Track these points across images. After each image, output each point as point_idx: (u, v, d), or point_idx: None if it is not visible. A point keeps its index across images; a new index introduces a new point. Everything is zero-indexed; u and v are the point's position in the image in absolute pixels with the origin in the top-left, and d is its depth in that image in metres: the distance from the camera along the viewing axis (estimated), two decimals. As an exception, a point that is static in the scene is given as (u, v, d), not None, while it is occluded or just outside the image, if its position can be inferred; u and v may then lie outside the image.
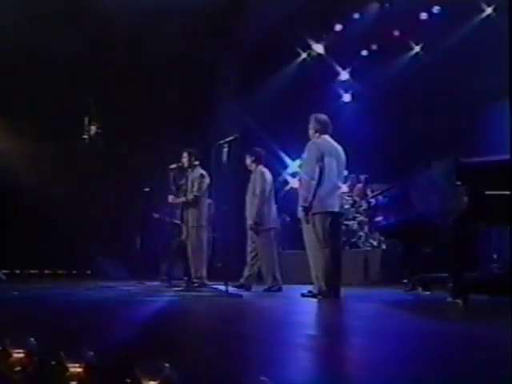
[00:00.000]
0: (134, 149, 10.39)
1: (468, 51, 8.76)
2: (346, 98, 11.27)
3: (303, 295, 5.41)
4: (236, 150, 5.90)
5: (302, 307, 4.73)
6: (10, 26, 8.79)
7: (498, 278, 6.00)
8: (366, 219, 9.07)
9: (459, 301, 3.92)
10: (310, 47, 11.32)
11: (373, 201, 8.04)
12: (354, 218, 9.13)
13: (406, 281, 5.95)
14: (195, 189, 7.27)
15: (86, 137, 10.34)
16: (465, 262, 4.16)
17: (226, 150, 5.76)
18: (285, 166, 11.04)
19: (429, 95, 9.20)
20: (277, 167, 9.72)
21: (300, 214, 5.48)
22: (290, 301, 5.68)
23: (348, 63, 11.05)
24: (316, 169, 5.32)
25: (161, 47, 9.91)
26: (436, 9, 9.68)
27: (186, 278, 7.60)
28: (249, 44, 10.82)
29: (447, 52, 9.22)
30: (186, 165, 7.47)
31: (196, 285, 6.96)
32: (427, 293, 5.58)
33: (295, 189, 9.58)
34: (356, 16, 10.50)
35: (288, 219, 8.16)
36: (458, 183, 3.99)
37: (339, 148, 5.58)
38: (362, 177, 9.26)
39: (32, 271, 9.85)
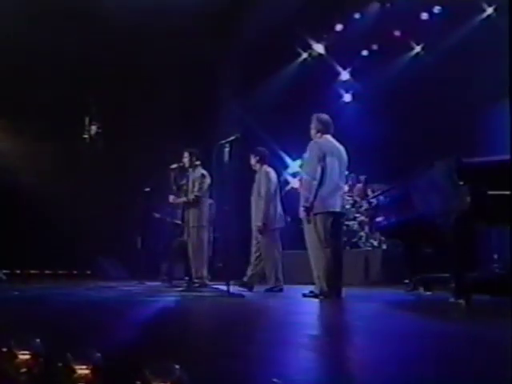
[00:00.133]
0: (135, 149, 10.39)
1: (469, 51, 8.75)
2: (347, 98, 11.27)
3: (305, 295, 5.41)
4: (237, 150, 5.88)
5: (305, 307, 4.72)
6: (10, 25, 8.79)
7: (500, 278, 5.99)
8: (366, 219, 9.07)
9: (462, 301, 3.92)
10: (310, 47, 11.32)
11: (374, 201, 8.04)
12: (354, 218, 9.13)
13: (407, 281, 5.94)
14: (196, 189, 7.26)
15: (86, 136, 10.34)
16: (467, 262, 4.16)
17: (227, 149, 5.75)
18: (285, 166, 11.03)
19: (429, 95, 9.19)
20: (277, 167, 9.70)
21: (301, 214, 5.47)
22: (291, 301, 5.67)
23: (349, 63, 11.05)
24: (318, 169, 5.32)
25: (161, 47, 9.90)
26: (437, 9, 9.68)
27: (186, 278, 7.59)
28: (249, 44, 10.81)
29: (448, 52, 9.22)
30: (186, 165, 7.46)
31: (197, 285, 6.94)
32: (428, 293, 5.58)
33: (296, 189, 9.60)
34: (357, 16, 10.50)
35: (289, 219, 8.13)
36: (461, 183, 3.98)
37: (341, 148, 5.57)
38: (362, 177, 9.26)
39: (32, 271, 9.84)
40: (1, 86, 9.15)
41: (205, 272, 7.21)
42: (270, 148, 8.26)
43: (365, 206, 9.13)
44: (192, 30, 9.93)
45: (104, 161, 10.19)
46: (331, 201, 5.35)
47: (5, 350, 1.55)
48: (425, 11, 9.77)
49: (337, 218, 5.42)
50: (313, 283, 5.50)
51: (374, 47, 10.61)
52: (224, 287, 5.56)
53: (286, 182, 11.06)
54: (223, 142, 5.86)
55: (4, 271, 8.43)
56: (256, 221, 6.56)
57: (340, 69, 11.14)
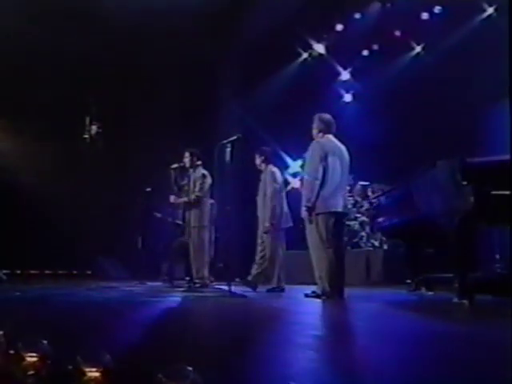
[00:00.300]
0: (135, 148, 10.38)
1: (469, 51, 8.74)
2: (347, 98, 11.25)
3: (307, 295, 5.40)
4: (239, 150, 5.87)
5: (307, 308, 4.71)
6: (10, 25, 8.77)
7: (501, 278, 5.99)
8: (367, 219, 9.07)
9: (465, 301, 3.92)
10: (311, 47, 11.31)
11: (375, 201, 8.03)
12: (355, 219, 9.12)
13: (409, 281, 5.94)
14: (197, 189, 7.24)
15: (86, 136, 10.32)
16: (470, 263, 4.15)
17: (228, 149, 5.74)
18: (286, 166, 11.02)
19: (430, 95, 9.19)
20: (278, 167, 9.68)
21: (303, 214, 5.46)
22: (294, 301, 5.66)
23: (349, 63, 11.03)
24: (319, 168, 5.31)
25: (161, 47, 9.89)
26: (437, 9, 9.68)
27: (187, 279, 7.58)
28: (250, 44, 10.80)
29: (448, 52, 9.21)
30: (187, 165, 7.45)
31: (198, 285, 6.94)
32: (431, 293, 5.58)
33: (296, 189, 9.59)
34: (357, 16, 10.49)
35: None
36: (464, 183, 3.98)
37: (343, 148, 5.56)
38: (362, 183, 9.27)
39: (32, 271, 9.83)
40: (1, 86, 9.13)
41: (206, 272, 7.20)
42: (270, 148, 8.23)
43: (365, 206, 9.13)
44: (192, 30, 9.92)
45: (104, 161, 10.17)
46: (333, 201, 5.34)
47: (12, 352, 1.53)
48: (425, 11, 9.76)
49: (339, 218, 5.41)
50: (314, 283, 5.49)
51: (375, 47, 10.60)
52: (225, 287, 5.56)
53: (287, 182, 11.05)
54: (225, 141, 5.86)
55: (4, 271, 8.40)
56: (264, 221, 6.54)
57: (340, 69, 11.13)
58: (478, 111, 8.33)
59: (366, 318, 3.85)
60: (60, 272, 10.14)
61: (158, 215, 8.67)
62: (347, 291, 5.33)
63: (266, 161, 6.79)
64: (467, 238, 4.08)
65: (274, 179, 6.64)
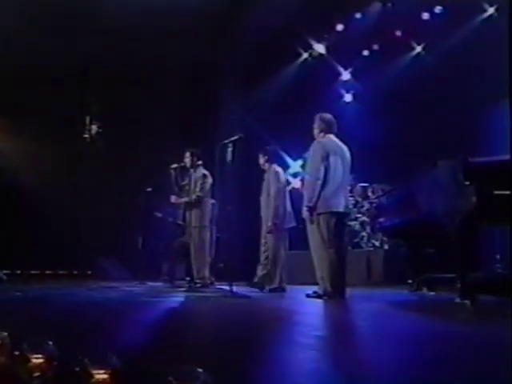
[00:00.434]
0: (136, 148, 10.36)
1: (469, 51, 8.73)
2: (348, 98, 11.22)
3: (308, 296, 5.39)
4: (240, 150, 5.87)
5: (309, 308, 4.70)
6: (11, 25, 8.76)
7: (503, 278, 5.99)
8: (368, 219, 9.07)
9: (467, 301, 3.91)
10: (311, 47, 11.28)
11: (376, 201, 8.03)
12: (356, 219, 9.11)
13: (410, 281, 5.92)
14: (198, 189, 7.24)
15: (87, 136, 10.31)
16: (472, 263, 4.15)
17: (230, 149, 5.74)
18: (286, 166, 11.00)
19: (430, 95, 9.18)
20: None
21: (304, 214, 5.45)
22: (295, 301, 5.66)
23: (349, 63, 11.00)
24: (321, 168, 5.30)
25: (162, 47, 9.89)
26: (438, 9, 9.65)
27: (187, 279, 7.58)
28: (250, 44, 10.79)
29: (449, 52, 9.19)
30: (188, 165, 7.44)
31: (199, 285, 6.93)
32: (432, 293, 5.56)
33: (297, 189, 9.58)
34: (358, 16, 10.46)
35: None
36: (467, 183, 3.97)
37: (344, 147, 5.56)
38: (362, 185, 9.26)
39: (33, 271, 9.82)
40: (1, 86, 9.12)
41: (207, 272, 7.20)
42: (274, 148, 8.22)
43: (366, 206, 9.13)
44: (193, 30, 9.92)
45: (105, 160, 10.17)
46: (334, 201, 5.33)
47: (17, 353, 1.51)
48: (426, 11, 9.73)
49: (340, 218, 5.40)
50: (315, 284, 5.48)
51: (375, 47, 10.57)
52: (227, 287, 5.55)
53: (288, 183, 11.02)
54: (226, 141, 5.85)
55: (4, 271, 8.39)
56: (266, 220, 6.54)
57: (341, 69, 11.10)
58: (479, 111, 8.32)
59: (368, 319, 3.84)
60: (60, 272, 10.13)
61: (159, 215, 8.66)
62: (348, 291, 5.32)
63: (270, 160, 6.78)
64: (469, 238, 4.07)
65: (278, 179, 6.63)
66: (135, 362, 1.64)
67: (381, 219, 6.30)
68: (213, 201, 7.77)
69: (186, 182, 7.50)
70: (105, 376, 1.30)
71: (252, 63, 10.93)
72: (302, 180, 7.31)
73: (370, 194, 9.17)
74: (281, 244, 6.59)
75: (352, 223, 9.00)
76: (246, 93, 11.07)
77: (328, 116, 5.64)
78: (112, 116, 10.28)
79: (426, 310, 4.49)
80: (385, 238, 8.60)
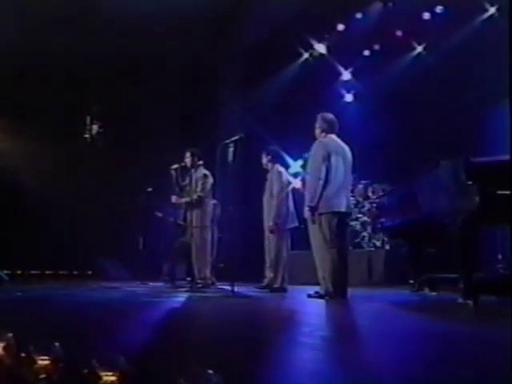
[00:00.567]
0: (137, 148, 10.35)
1: (470, 51, 8.72)
2: (348, 98, 11.21)
3: (310, 296, 5.37)
4: (241, 150, 5.85)
5: (312, 308, 4.69)
6: (10, 25, 8.75)
7: (505, 278, 5.98)
8: (369, 219, 9.06)
9: (470, 302, 3.91)
10: (312, 47, 11.27)
11: (378, 201, 8.02)
12: (356, 219, 9.11)
13: (412, 281, 5.92)
14: (199, 189, 7.23)
15: (87, 136, 10.30)
16: (474, 263, 4.14)
17: (231, 149, 5.72)
18: (286, 166, 10.98)
19: (431, 95, 9.16)
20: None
21: (306, 214, 5.44)
22: (297, 301, 5.64)
23: (350, 63, 10.99)
24: (322, 168, 5.29)
25: (163, 47, 9.88)
26: (439, 9, 9.63)
27: (188, 279, 7.57)
28: (251, 44, 10.78)
29: (450, 52, 9.18)
30: (188, 165, 7.43)
31: (200, 285, 6.92)
32: (434, 293, 5.56)
33: (297, 189, 9.57)
34: (358, 16, 10.44)
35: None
36: (469, 183, 3.96)
37: (346, 147, 5.55)
38: (364, 182, 9.25)
39: (33, 271, 9.81)
40: (2, 86, 9.11)
41: (208, 272, 7.19)
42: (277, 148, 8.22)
43: (367, 206, 9.12)
44: (194, 30, 9.91)
45: (105, 160, 10.16)
46: (336, 200, 5.32)
47: (23, 354, 1.50)
48: (427, 11, 9.71)
49: (342, 218, 5.39)
50: (316, 284, 5.47)
51: (376, 47, 10.55)
52: (228, 287, 5.55)
53: (288, 183, 11.01)
54: (227, 141, 5.84)
55: (5, 272, 8.37)
56: (268, 221, 6.53)
57: (341, 69, 11.08)
58: (480, 111, 8.32)
59: (371, 319, 3.82)
60: (61, 272, 10.12)
61: (159, 215, 8.65)
62: (349, 291, 5.30)
63: (273, 160, 6.78)
64: (471, 238, 4.07)
65: (281, 179, 6.63)
66: (141, 363, 1.63)
67: (382, 219, 6.29)
68: (214, 201, 7.76)
69: (186, 182, 7.48)
70: (113, 378, 1.28)
71: (253, 63, 10.92)
72: (303, 180, 7.30)
73: (370, 194, 9.17)
74: (283, 244, 6.58)
75: (353, 223, 8.99)
76: (246, 93, 11.06)
77: (330, 116, 5.63)
78: (112, 116, 10.28)
79: (428, 310, 4.47)
80: (386, 238, 8.59)
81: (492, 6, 9.27)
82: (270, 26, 10.26)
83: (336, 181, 5.32)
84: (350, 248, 8.61)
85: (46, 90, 9.50)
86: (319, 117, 5.61)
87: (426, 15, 9.76)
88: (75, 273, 10.31)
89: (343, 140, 5.62)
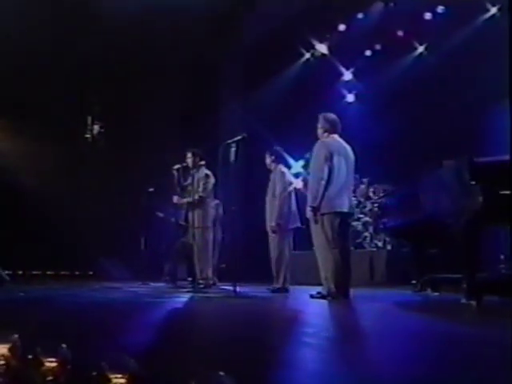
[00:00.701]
0: (138, 148, 10.35)
1: (472, 51, 8.71)
2: (350, 98, 11.20)
3: (312, 296, 5.36)
4: (243, 150, 5.84)
5: (315, 308, 4.68)
6: (11, 26, 8.74)
7: (508, 278, 5.97)
8: (370, 220, 9.05)
9: (473, 302, 3.89)
10: (313, 47, 11.27)
11: (382, 200, 8.01)
12: (358, 219, 9.09)
13: (414, 281, 5.90)
14: (200, 189, 7.21)
15: (88, 136, 10.30)
16: (478, 263, 4.13)
17: (233, 149, 5.71)
18: (288, 167, 10.97)
19: (432, 96, 9.15)
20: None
21: (308, 214, 5.43)
22: (299, 302, 5.64)
23: (352, 63, 10.98)
24: (325, 168, 5.28)
25: (164, 47, 9.88)
26: (440, 9, 9.62)
27: (189, 279, 7.56)
28: (252, 44, 10.77)
29: (451, 52, 9.17)
30: (190, 165, 7.42)
31: (202, 286, 6.91)
32: (436, 294, 5.54)
33: (298, 189, 9.55)
34: (360, 16, 10.43)
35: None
36: (473, 183, 3.95)
37: (348, 147, 5.54)
38: (365, 180, 9.23)
39: (34, 272, 9.80)
40: (3, 86, 9.10)
41: (210, 273, 7.18)
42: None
43: (369, 206, 9.11)
44: (195, 30, 9.90)
45: (107, 160, 10.15)
46: (338, 201, 5.31)
47: (30, 357, 1.49)
48: (428, 11, 9.70)
49: (344, 218, 5.38)
50: (318, 284, 5.46)
51: (377, 47, 10.54)
52: (230, 287, 5.54)
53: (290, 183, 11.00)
54: (229, 141, 5.83)
55: (6, 272, 8.36)
56: (270, 221, 6.52)
57: (343, 69, 11.07)
58: (482, 111, 8.31)
59: (375, 319, 3.81)
60: (62, 273, 10.12)
61: (161, 215, 8.65)
62: (351, 292, 5.30)
63: (276, 160, 6.77)
64: (475, 238, 4.06)
65: (284, 179, 6.62)
66: (147, 364, 1.62)
67: (384, 219, 6.28)
68: (217, 201, 7.75)
69: (188, 182, 7.47)
70: (122, 380, 1.26)
71: (254, 63, 10.91)
72: (304, 180, 7.30)
73: (371, 194, 9.15)
74: (285, 244, 6.57)
75: (354, 223, 8.98)
76: (247, 93, 11.05)
77: (332, 116, 5.62)
78: (114, 116, 10.27)
79: (432, 310, 4.47)
80: (387, 239, 8.58)
81: (493, 5, 9.26)
82: (272, 26, 10.25)
83: (338, 181, 5.31)
84: (352, 248, 8.60)
85: (46, 90, 9.49)
86: (321, 117, 5.60)
87: (428, 15, 9.75)
88: (76, 273, 10.31)
89: (345, 140, 5.61)
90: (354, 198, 9.00)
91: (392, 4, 10.03)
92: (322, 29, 10.91)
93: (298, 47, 11.30)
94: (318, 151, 5.44)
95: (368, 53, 10.70)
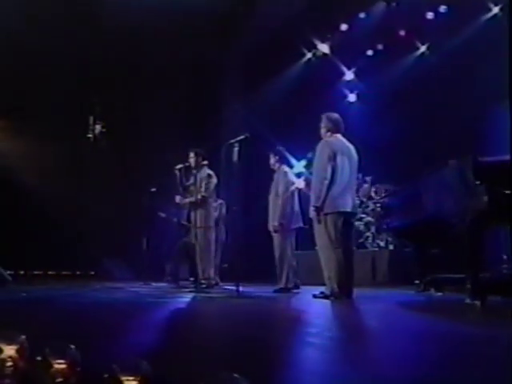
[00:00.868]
0: (140, 148, 10.34)
1: (474, 51, 8.70)
2: (351, 98, 11.20)
3: (315, 296, 5.36)
4: (246, 150, 5.83)
5: (317, 308, 4.67)
6: (12, 26, 8.73)
7: (509, 278, 5.95)
8: (372, 220, 9.04)
9: (477, 302, 3.88)
10: (315, 47, 11.27)
11: (385, 200, 8.00)
12: (360, 219, 9.08)
13: (417, 281, 5.89)
14: (203, 189, 7.20)
15: (90, 136, 10.29)
16: (482, 263, 4.12)
17: (236, 149, 5.71)
18: (290, 166, 10.96)
19: (434, 95, 9.15)
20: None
21: (311, 213, 5.42)
22: (302, 302, 5.63)
23: (353, 63, 10.98)
24: (328, 168, 5.27)
25: (166, 47, 9.87)
26: (442, 8, 9.62)
27: (191, 279, 7.55)
28: (253, 44, 10.76)
29: (453, 52, 9.16)
30: (192, 165, 7.41)
31: (204, 286, 6.90)
32: (439, 294, 5.53)
33: (300, 189, 9.54)
34: (362, 15, 10.43)
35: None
36: (477, 182, 3.94)
37: (351, 147, 5.53)
38: (368, 178, 9.22)
39: (36, 272, 9.79)
40: (6, 86, 9.10)
41: (212, 273, 7.17)
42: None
43: (371, 206, 9.10)
44: (196, 30, 9.90)
45: (108, 160, 10.14)
46: (342, 200, 5.30)
47: (39, 358, 1.47)
48: (430, 11, 9.70)
49: (347, 218, 5.37)
50: (321, 284, 5.45)
51: (379, 47, 10.54)
52: (233, 287, 5.54)
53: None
54: (232, 141, 5.81)
55: (8, 272, 8.35)
56: (273, 220, 6.52)
57: (344, 69, 11.07)
58: (484, 111, 8.30)
59: (380, 319, 3.80)
60: (63, 273, 10.11)
61: (163, 215, 8.64)
62: (354, 292, 5.28)
63: (280, 161, 6.78)
64: (479, 238, 4.05)
65: (287, 179, 6.62)
66: (154, 364, 1.61)
67: (388, 219, 6.27)
68: (221, 201, 7.74)
69: (190, 182, 7.46)
70: (134, 383, 1.24)
71: (255, 63, 10.90)
72: (306, 180, 7.29)
73: (372, 194, 9.15)
74: (287, 244, 6.56)
75: (356, 223, 8.97)
76: (249, 93, 11.04)
77: (335, 115, 5.62)
78: (116, 116, 10.26)
79: (436, 310, 4.45)
80: (390, 239, 8.58)
81: (496, 5, 9.25)
82: (274, 26, 10.24)
83: (342, 181, 5.30)
84: (354, 248, 8.59)
85: (47, 90, 9.49)
86: (324, 116, 5.59)
87: (430, 15, 9.74)
88: (78, 273, 10.30)
89: (348, 140, 5.60)
90: (356, 198, 9.02)
91: (394, 3, 10.02)
92: (323, 28, 10.92)
93: (300, 47, 11.30)
94: (322, 151, 5.43)
95: (370, 52, 10.70)
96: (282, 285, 6.45)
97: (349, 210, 5.34)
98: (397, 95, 9.62)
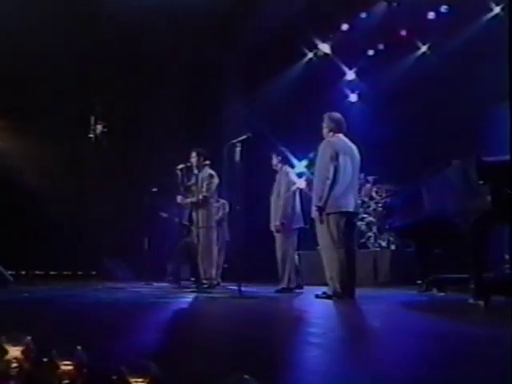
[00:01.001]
0: (141, 148, 10.34)
1: (475, 50, 8.70)
2: (353, 98, 11.19)
3: (317, 296, 5.35)
4: (248, 150, 5.82)
5: (320, 308, 4.66)
6: (12, 26, 8.72)
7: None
8: (374, 219, 9.03)
9: (481, 302, 3.87)
10: (316, 47, 11.27)
11: (385, 200, 7.99)
12: (362, 219, 9.08)
13: (420, 281, 5.89)
14: (204, 189, 7.20)
15: (91, 136, 10.28)
16: (485, 263, 4.11)
17: (238, 149, 5.69)
18: (291, 166, 10.95)
19: (435, 95, 9.14)
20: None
21: (314, 213, 5.41)
22: (305, 302, 5.62)
23: (354, 63, 10.97)
24: (330, 168, 5.26)
25: (168, 46, 9.87)
26: (444, 8, 9.62)
27: (192, 279, 7.54)
28: (255, 43, 10.75)
29: (455, 52, 9.16)
30: (194, 165, 7.40)
31: (205, 286, 6.89)
32: (442, 294, 5.53)
33: (301, 189, 9.53)
34: (363, 15, 10.44)
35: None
36: (481, 182, 3.93)
37: (353, 147, 5.52)
38: (371, 178, 9.21)
39: (37, 272, 9.79)
40: (6, 86, 9.09)
41: (213, 273, 7.17)
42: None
43: (372, 206, 9.09)
44: (198, 30, 9.90)
45: (110, 160, 10.14)
46: (344, 200, 5.29)
47: (45, 359, 1.46)
48: (432, 10, 9.71)
49: (350, 218, 5.36)
50: (323, 284, 5.44)
51: (380, 47, 10.54)
52: (235, 287, 5.53)
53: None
54: (234, 141, 5.80)
55: (10, 272, 8.34)
56: (275, 220, 6.51)
57: (346, 69, 11.07)
58: (485, 111, 8.29)
59: (383, 320, 3.79)
60: (65, 273, 10.10)
61: (164, 215, 8.63)
62: (357, 292, 5.27)
63: (283, 161, 6.77)
64: (483, 238, 4.04)
65: (289, 179, 6.61)
66: (158, 365, 1.60)
67: (390, 219, 6.27)
68: (223, 201, 7.72)
69: (192, 182, 7.45)
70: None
71: (257, 63, 10.89)
72: (307, 180, 7.28)
73: (374, 194, 9.14)
74: (289, 244, 6.56)
75: (358, 223, 8.97)
76: (250, 93, 11.04)
77: (337, 115, 5.60)
78: (117, 116, 10.26)
79: (439, 310, 4.44)
80: (391, 239, 8.57)
81: (497, 5, 9.25)
82: (275, 26, 10.23)
83: (344, 180, 5.28)
84: (356, 248, 8.58)
85: (48, 90, 9.48)
86: (326, 116, 5.58)
87: (431, 15, 9.74)
88: (79, 273, 10.29)
89: (350, 139, 5.59)
90: (358, 198, 9.01)
91: (395, 3, 10.02)
92: (324, 28, 10.92)
93: (301, 47, 11.30)
94: (324, 151, 5.41)
95: (371, 52, 10.70)
96: (284, 285, 6.44)
97: (351, 209, 5.33)
98: (398, 95, 9.62)
